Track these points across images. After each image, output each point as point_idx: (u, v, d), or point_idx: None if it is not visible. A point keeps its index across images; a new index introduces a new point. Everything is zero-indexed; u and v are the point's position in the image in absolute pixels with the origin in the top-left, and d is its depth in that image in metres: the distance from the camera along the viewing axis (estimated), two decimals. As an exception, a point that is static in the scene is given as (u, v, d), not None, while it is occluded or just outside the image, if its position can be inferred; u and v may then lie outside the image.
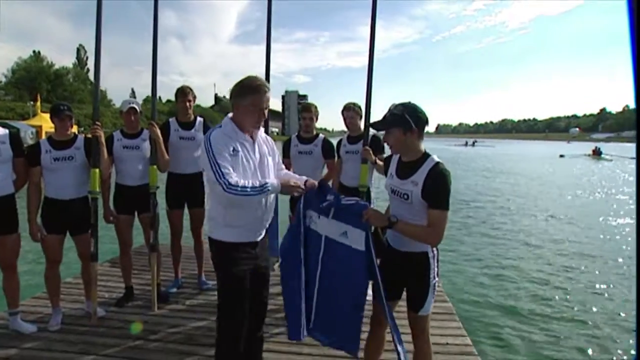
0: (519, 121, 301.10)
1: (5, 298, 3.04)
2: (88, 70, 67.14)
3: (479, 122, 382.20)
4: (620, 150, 48.28)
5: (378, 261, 2.07)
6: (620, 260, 7.37)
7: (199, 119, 3.72)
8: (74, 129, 3.18)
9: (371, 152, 3.21)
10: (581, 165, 31.85)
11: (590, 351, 4.24)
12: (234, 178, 1.92)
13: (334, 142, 3.93)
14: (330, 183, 3.67)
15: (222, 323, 2.17)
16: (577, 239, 8.93)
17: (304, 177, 2.30)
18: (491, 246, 8.32)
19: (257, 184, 1.97)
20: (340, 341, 2.17)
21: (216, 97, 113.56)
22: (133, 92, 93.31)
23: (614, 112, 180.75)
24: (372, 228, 2.05)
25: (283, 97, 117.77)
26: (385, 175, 2.19)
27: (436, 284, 2.05)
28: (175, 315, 3.33)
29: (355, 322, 2.09)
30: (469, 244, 8.36)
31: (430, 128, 2.02)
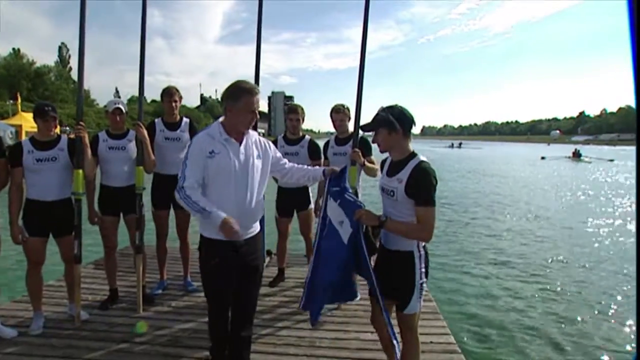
0: (502, 123, 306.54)
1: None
2: (70, 68, 65.70)
3: (463, 124, 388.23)
4: (598, 153, 49.77)
5: (372, 261, 2.13)
6: (604, 258, 7.59)
7: (185, 119, 3.71)
8: (57, 130, 3.13)
9: (361, 154, 3.24)
10: (562, 167, 32.64)
11: (571, 349, 4.35)
12: (189, 183, 2.03)
13: (320, 143, 3.96)
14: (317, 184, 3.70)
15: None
16: (562, 239, 9.16)
17: (318, 168, 2.46)
18: (476, 247, 8.46)
19: (204, 205, 2.01)
20: (337, 295, 2.35)
21: (202, 98, 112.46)
22: (117, 91, 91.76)
23: (592, 115, 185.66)
24: (364, 227, 2.11)
25: (269, 98, 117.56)
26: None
27: (424, 285, 2.08)
28: (161, 318, 3.30)
29: (346, 275, 2.22)
30: (453, 245, 8.49)
31: (415, 129, 2.10)
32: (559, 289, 6.11)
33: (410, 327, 2.13)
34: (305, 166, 2.59)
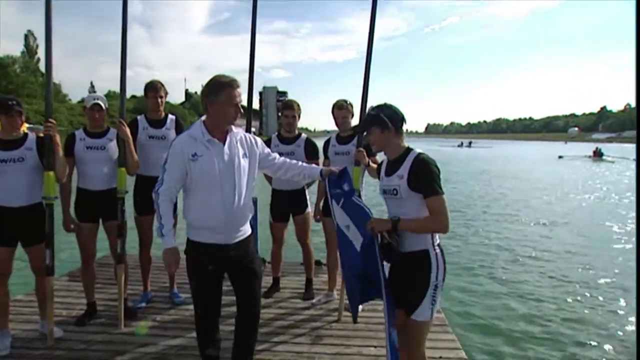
0: (514, 120, 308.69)
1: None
2: (38, 60, 65.29)
3: (472, 122, 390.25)
4: (622, 152, 49.73)
5: (387, 270, 2.20)
6: (625, 271, 7.61)
7: (170, 116, 3.75)
8: (24, 128, 3.12)
9: (365, 153, 3.29)
10: (582, 167, 32.76)
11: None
12: (164, 188, 2.21)
13: (317, 143, 4.01)
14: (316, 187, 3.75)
15: None
16: (580, 249, 9.15)
17: (316, 166, 2.62)
18: (488, 254, 8.51)
19: (165, 223, 2.21)
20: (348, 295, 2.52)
21: (187, 93, 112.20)
22: (92, 86, 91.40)
23: (615, 110, 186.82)
24: (379, 238, 2.16)
25: (261, 93, 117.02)
26: (379, 178, 2.35)
27: (438, 288, 2.11)
28: (145, 333, 3.32)
29: (355, 287, 2.35)
30: (463, 253, 8.54)
31: (419, 128, 2.25)
32: (581, 301, 6.14)
33: (416, 338, 2.15)
34: (301, 162, 2.66)
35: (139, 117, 3.70)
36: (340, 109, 3.74)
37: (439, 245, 2.14)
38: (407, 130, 2.22)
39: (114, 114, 3.49)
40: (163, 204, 2.22)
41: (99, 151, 3.31)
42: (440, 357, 3.00)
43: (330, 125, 3.86)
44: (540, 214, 13.09)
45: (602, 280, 7.07)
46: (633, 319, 5.46)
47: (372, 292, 2.24)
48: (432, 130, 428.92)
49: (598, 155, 42.80)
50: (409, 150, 2.15)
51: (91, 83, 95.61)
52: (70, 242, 3.69)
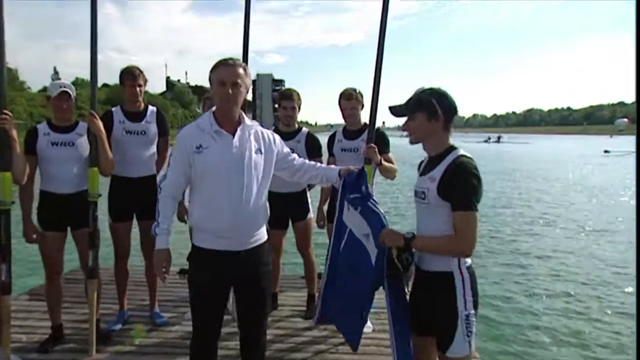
0: (549, 111, 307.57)
1: None
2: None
3: (498, 113, 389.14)
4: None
5: (408, 289, 2.21)
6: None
7: (150, 108, 3.78)
8: None
9: (377, 150, 3.30)
10: (632, 165, 32.48)
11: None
12: (166, 183, 2.36)
13: (321, 138, 4.02)
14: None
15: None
16: (631, 263, 9.02)
17: (334, 167, 2.66)
18: (522, 270, 8.48)
19: (162, 221, 2.33)
20: (345, 329, 2.63)
21: (168, 81, 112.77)
22: (56, 72, 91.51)
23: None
24: (387, 251, 2.14)
25: (254, 82, 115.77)
26: None
27: (471, 318, 2.04)
28: (144, 337, 3.36)
29: (358, 318, 2.41)
30: (493, 268, 8.50)
31: None
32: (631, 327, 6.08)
33: None
34: (319, 164, 2.70)
35: (114, 109, 3.72)
36: (349, 99, 3.75)
37: (468, 268, 2.05)
38: None
39: (83, 105, 3.50)
40: (163, 199, 2.33)
41: (66, 148, 3.32)
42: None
43: (334, 119, 3.89)
44: (583, 220, 13.02)
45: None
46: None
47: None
48: (453, 124, 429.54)
49: (654, 150, 42.42)
50: (451, 149, 2.07)
51: (54, 69, 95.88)
52: (31, 254, 3.68)
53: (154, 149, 3.78)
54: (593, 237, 11.13)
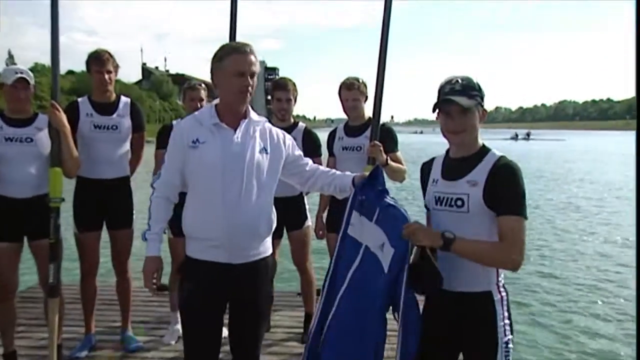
0: (585, 103, 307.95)
1: None
2: None
3: (524, 106, 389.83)
4: None
5: (421, 305, 2.15)
6: None
7: (123, 99, 3.77)
8: None
9: (382, 148, 3.29)
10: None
11: None
12: (160, 183, 2.39)
13: (320, 135, 4.01)
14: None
15: None
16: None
17: (348, 174, 2.56)
18: (560, 286, 8.47)
19: (152, 224, 2.36)
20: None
21: (144, 69, 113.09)
22: (11, 55, 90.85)
23: None
24: (412, 251, 2.08)
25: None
26: (422, 188, 2.32)
27: (510, 344, 2.03)
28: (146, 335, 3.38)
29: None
30: (531, 284, 8.48)
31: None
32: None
33: None
34: (333, 170, 2.68)
35: (80, 100, 3.71)
36: (350, 89, 3.74)
37: (504, 285, 2.06)
38: (436, 118, 2.16)
39: (43, 95, 3.50)
40: (155, 201, 2.37)
41: (23, 145, 3.30)
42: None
43: (336, 113, 3.87)
44: (628, 231, 12.96)
45: None
46: None
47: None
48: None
49: None
50: (486, 149, 2.09)
51: (9, 52, 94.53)
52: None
53: (127, 146, 3.77)
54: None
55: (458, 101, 2.00)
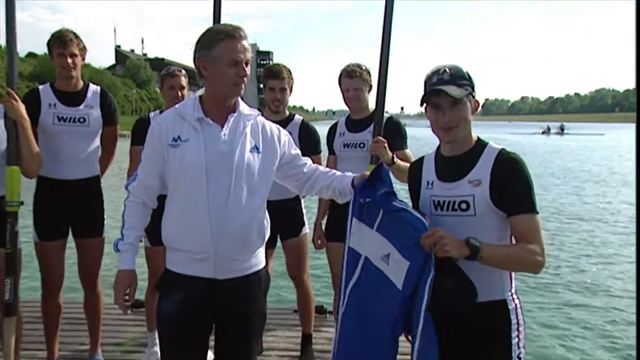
0: (625, 92, 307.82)
1: None
2: None
3: (555, 96, 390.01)
4: None
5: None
6: None
7: (93, 87, 3.77)
8: None
9: (387, 145, 3.30)
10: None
11: None
12: (135, 185, 2.38)
13: (320, 129, 4.01)
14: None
15: None
16: None
17: (348, 175, 2.54)
18: (584, 298, 8.56)
19: (126, 232, 2.36)
20: None
21: (117, 52, 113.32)
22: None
23: None
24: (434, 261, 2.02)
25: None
26: (411, 191, 2.35)
27: (522, 357, 2.10)
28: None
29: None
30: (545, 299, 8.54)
31: None
32: None
33: None
34: (333, 171, 2.66)
35: (41, 88, 3.70)
36: (351, 77, 3.74)
37: (516, 293, 2.13)
38: (425, 112, 2.21)
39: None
40: (130, 205, 2.37)
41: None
42: None
43: (337, 104, 3.87)
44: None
45: None
46: None
47: None
48: (492, 111, 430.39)
49: None
50: (482, 143, 2.14)
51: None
52: None
53: (96, 142, 3.78)
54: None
55: (447, 91, 2.03)
